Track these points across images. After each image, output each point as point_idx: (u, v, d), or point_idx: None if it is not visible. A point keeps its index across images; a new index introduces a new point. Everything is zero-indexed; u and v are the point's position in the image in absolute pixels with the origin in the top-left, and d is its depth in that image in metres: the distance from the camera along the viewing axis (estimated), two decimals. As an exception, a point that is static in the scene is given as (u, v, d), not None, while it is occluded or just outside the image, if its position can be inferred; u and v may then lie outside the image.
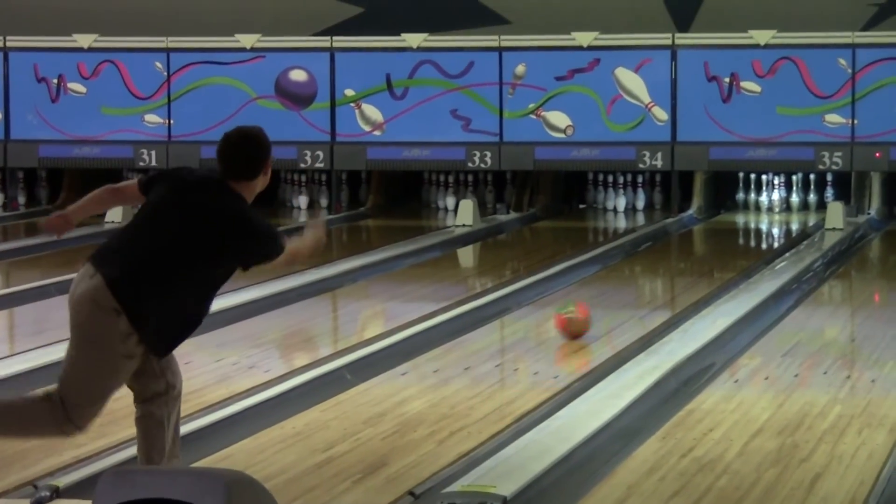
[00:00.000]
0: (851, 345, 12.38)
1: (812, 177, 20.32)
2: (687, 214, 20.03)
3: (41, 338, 11.77)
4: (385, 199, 20.97)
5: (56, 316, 13.09)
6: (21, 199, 21.32)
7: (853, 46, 19.35)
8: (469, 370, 10.77)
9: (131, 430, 8.73)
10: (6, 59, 20.54)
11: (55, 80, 20.49)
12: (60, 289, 14.35)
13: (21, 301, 13.93)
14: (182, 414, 9.12)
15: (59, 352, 10.90)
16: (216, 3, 20.94)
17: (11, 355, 11.35)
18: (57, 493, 7.36)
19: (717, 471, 7.96)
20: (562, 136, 19.78)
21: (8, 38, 20.52)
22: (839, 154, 19.31)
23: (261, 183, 7.40)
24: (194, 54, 20.33)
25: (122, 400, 9.67)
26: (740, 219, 20.37)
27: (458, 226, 19.35)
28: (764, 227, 20.07)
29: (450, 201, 20.63)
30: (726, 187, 20.64)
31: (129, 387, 7.35)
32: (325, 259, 16.47)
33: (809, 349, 11.79)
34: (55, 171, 21.23)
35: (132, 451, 8.20)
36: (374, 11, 20.87)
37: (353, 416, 9.27)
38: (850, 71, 19.31)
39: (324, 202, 20.93)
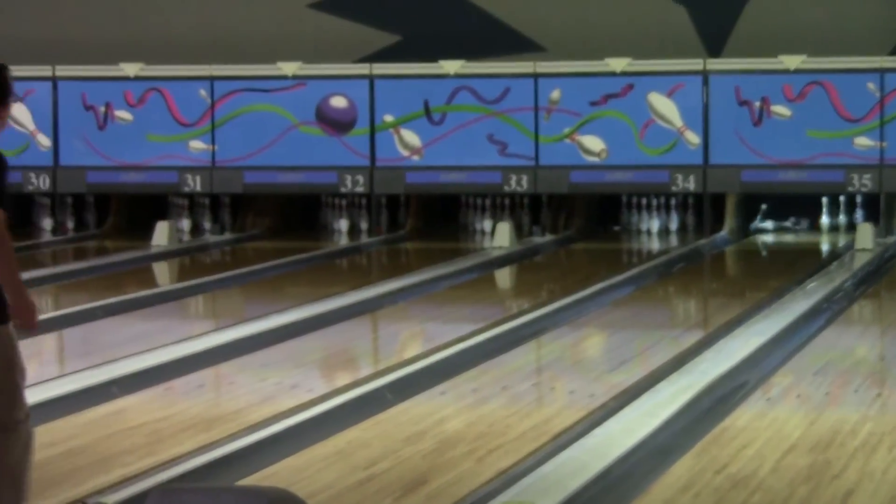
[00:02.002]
0: (881, 363, 12.34)
1: (842, 199, 20.29)
2: (719, 236, 20.01)
3: (88, 359, 11.79)
4: (423, 223, 20.98)
5: (103, 338, 13.16)
6: (70, 224, 21.39)
7: (881, 71, 19.31)
8: (506, 389, 10.76)
9: (178, 449, 8.78)
10: (55, 88, 20.60)
11: (102, 108, 20.56)
12: (107, 311, 14.44)
13: (69, 323, 13.95)
14: (227, 434, 9.19)
15: (105, 373, 10.97)
16: (258, 32, 21.00)
17: (61, 376, 11.36)
18: (106, 510, 7.39)
19: (751, 487, 7.94)
20: (596, 159, 19.78)
21: (57, 67, 20.61)
22: (868, 176, 19.27)
23: None
24: (237, 82, 20.38)
25: (169, 420, 9.71)
26: (771, 240, 20.35)
27: (494, 248, 19.37)
28: (795, 246, 20.03)
29: (487, 224, 20.63)
30: (757, 209, 20.62)
31: None
32: (365, 281, 16.51)
33: (840, 367, 11.75)
34: (103, 197, 21.28)
35: (179, 468, 8.24)
36: (411, 39, 20.92)
37: (394, 435, 9.25)
38: (878, 95, 19.26)
39: (364, 225, 20.95)
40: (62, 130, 20.64)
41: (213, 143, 20.38)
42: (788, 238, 20.39)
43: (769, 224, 20.54)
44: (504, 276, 17.89)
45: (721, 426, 9.38)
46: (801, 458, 8.55)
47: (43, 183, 20.70)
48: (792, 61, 19.43)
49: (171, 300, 15.87)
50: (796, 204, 20.31)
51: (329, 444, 9.01)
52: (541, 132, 19.86)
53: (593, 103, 19.78)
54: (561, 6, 20.73)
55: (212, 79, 20.43)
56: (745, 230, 20.46)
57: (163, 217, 20.53)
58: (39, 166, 20.61)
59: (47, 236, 21.13)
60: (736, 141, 19.50)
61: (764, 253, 19.72)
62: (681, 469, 8.35)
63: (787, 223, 20.50)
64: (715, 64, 19.77)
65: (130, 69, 20.58)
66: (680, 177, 19.65)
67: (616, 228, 20.78)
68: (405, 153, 20.16)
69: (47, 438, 9.17)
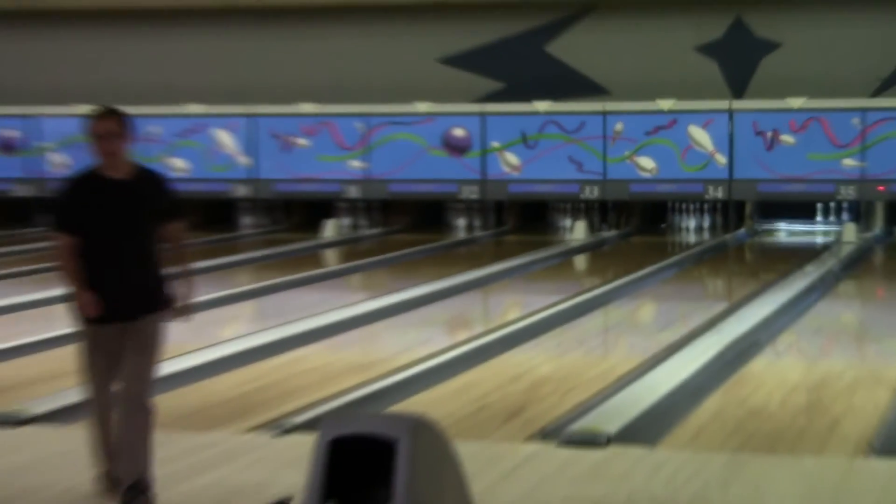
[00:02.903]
0: (861, 326, 12.26)
1: (832, 204, 20.16)
2: (740, 232, 19.90)
3: (277, 319, 11.82)
4: (521, 221, 20.96)
5: (287, 304, 13.23)
6: (265, 221, 21.53)
7: (863, 109, 19.13)
8: (582, 344, 10.78)
9: (342, 386, 8.83)
10: (253, 122, 20.73)
11: (286, 137, 20.65)
12: (290, 284, 14.51)
13: (263, 293, 13.99)
14: (378, 375, 9.26)
15: (289, 330, 11.03)
16: (401, 79, 21.00)
17: (257, 332, 11.41)
18: (291, 429, 7.44)
19: (763, 417, 7.92)
20: (649, 175, 19.71)
21: (253, 106, 20.73)
22: (852, 188, 19.11)
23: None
24: (384, 117, 20.43)
25: (335, 364, 9.78)
26: (782, 235, 20.20)
27: (573, 240, 19.36)
28: (797, 240, 19.89)
29: (567, 222, 20.60)
30: (771, 212, 20.51)
31: None
32: (478, 264, 16.54)
33: (830, 330, 11.69)
34: (287, 201, 21.36)
35: (343, 400, 8.31)
36: (512, 85, 20.92)
37: (499, 377, 9.27)
38: (860, 127, 19.09)
39: (476, 223, 20.97)
40: (259, 153, 20.72)
41: (367, 162, 20.47)
42: (792, 234, 20.25)
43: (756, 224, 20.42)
44: (580, 261, 17.88)
45: (740, 372, 9.37)
46: (801, 396, 8.53)
47: (242, 191, 20.88)
48: (796, 102, 19.29)
49: (336, 277, 16.00)
50: (797, 208, 20.19)
51: (452, 384, 9.05)
52: (608, 154, 19.82)
53: (647, 133, 19.71)
54: (622, 61, 20.65)
55: (367, 115, 20.53)
56: (758, 228, 20.36)
57: (330, 216, 20.65)
58: (240, 179, 20.78)
59: (246, 230, 21.28)
60: (753, 161, 19.39)
61: (773, 245, 19.57)
62: (711, 403, 8.34)
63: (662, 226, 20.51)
64: (738, 104, 19.65)
65: (307, 108, 20.70)
66: (711, 188, 19.56)
67: (663, 226, 20.69)
68: (507, 170, 20.18)
69: (248, 376, 9.30)
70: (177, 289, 6.17)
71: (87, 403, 6.08)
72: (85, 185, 5.99)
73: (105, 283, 5.93)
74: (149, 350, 6.01)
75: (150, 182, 6.06)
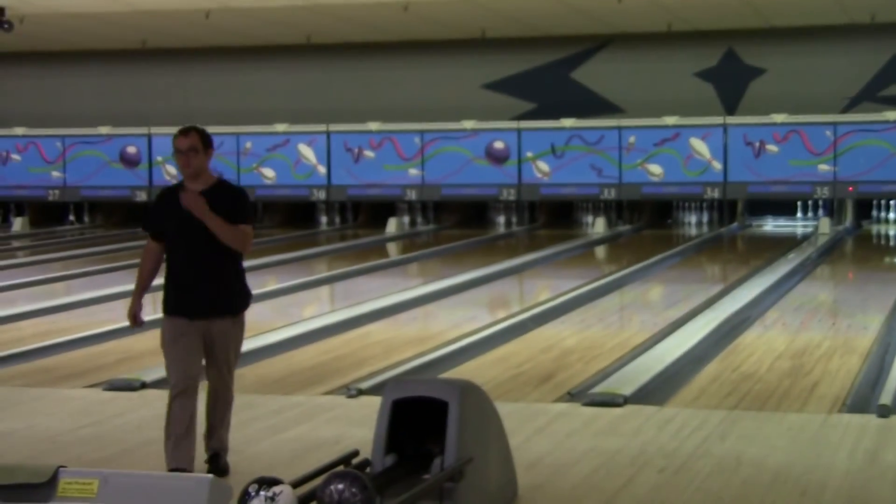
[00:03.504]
0: (835, 304, 12.15)
1: (810, 202, 20.03)
2: (733, 226, 19.80)
3: (348, 301, 11.88)
4: (551, 217, 20.93)
5: (357, 288, 13.27)
6: (337, 220, 21.58)
7: (835, 123, 18.99)
8: (602, 320, 10.73)
9: (402, 356, 8.81)
10: (329, 138, 20.78)
11: (356, 150, 20.67)
12: (360, 272, 14.51)
13: (337, 279, 14.04)
14: (432, 346, 9.22)
15: (358, 310, 11.03)
16: (451, 101, 21.01)
17: (333, 311, 11.48)
18: (360, 392, 7.44)
19: (754, 380, 7.87)
20: (657, 179, 19.60)
21: (329, 125, 20.75)
22: (826, 188, 18.95)
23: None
24: (437, 133, 20.40)
25: (397, 338, 9.77)
26: (768, 228, 20.09)
27: (594, 233, 19.29)
28: (781, 232, 19.75)
29: (589, 219, 20.53)
30: (759, 209, 20.43)
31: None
32: (514, 254, 16.52)
33: (810, 307, 11.59)
34: (356, 203, 21.39)
35: (403, 367, 8.30)
36: (543, 106, 20.86)
37: (533, 348, 9.25)
38: (833, 138, 18.93)
39: (514, 220, 20.94)
40: (334, 163, 20.81)
41: (422, 169, 20.42)
42: (776, 227, 20.13)
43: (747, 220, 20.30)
44: (600, 251, 17.81)
45: (735, 343, 9.31)
46: (786, 362, 8.47)
47: (320, 195, 20.91)
48: (779, 117, 19.14)
49: (397, 266, 16.01)
50: (781, 205, 20.10)
51: (493, 354, 9.03)
52: (623, 162, 19.72)
53: (655, 144, 19.60)
54: (634, 85, 20.58)
55: (422, 132, 20.52)
56: (748, 223, 20.27)
57: (392, 215, 20.68)
58: (318, 184, 20.80)
59: (323, 227, 21.35)
60: (744, 167, 19.24)
61: (760, 236, 19.44)
62: (710, 369, 8.30)
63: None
64: (731, 119, 19.52)
65: (373, 125, 20.73)
66: (709, 189, 19.42)
67: (669, 222, 20.60)
68: (539, 175, 20.11)
69: (324, 349, 9.30)
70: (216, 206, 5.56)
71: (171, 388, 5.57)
72: (169, 195, 5.71)
73: (183, 281, 5.61)
74: (230, 348, 5.64)
75: (225, 193, 5.69)
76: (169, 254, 5.70)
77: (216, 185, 5.72)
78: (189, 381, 5.51)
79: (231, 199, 5.68)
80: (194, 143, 5.63)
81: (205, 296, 5.58)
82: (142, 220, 5.95)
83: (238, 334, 5.71)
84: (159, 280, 5.78)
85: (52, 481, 3.53)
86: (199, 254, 5.60)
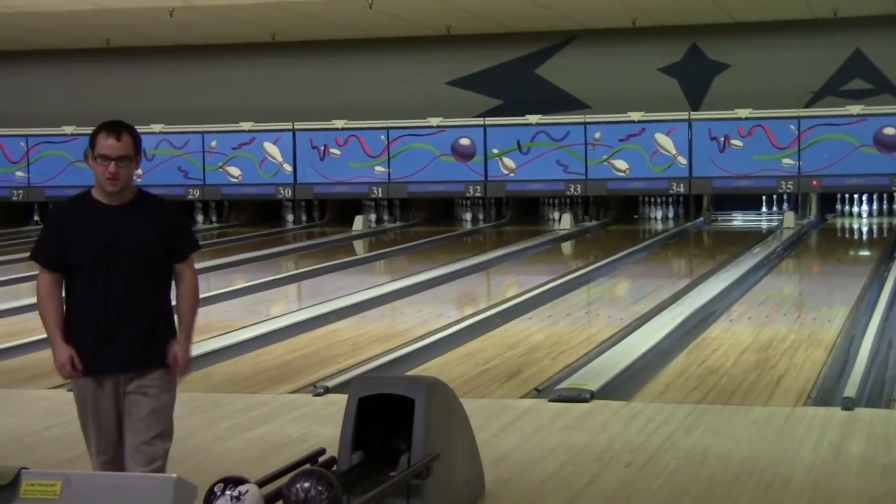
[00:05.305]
0: (800, 297, 12.20)
1: (774, 197, 20.12)
2: (699, 220, 19.87)
3: (315, 299, 11.85)
4: (517, 214, 20.93)
5: (323, 286, 13.22)
6: (303, 218, 21.50)
7: (798, 118, 19.07)
8: (569, 315, 10.74)
9: (369, 353, 8.79)
10: (294, 135, 20.71)
11: (322, 147, 20.63)
12: (326, 270, 14.50)
13: (303, 278, 13.99)
14: (399, 344, 9.20)
15: (325, 308, 10.98)
16: (416, 98, 20.99)
17: (299, 309, 11.44)
18: (327, 390, 7.43)
19: (720, 374, 7.90)
20: (623, 174, 19.64)
21: (295, 123, 20.69)
22: (791, 182, 19.04)
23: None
24: (402, 130, 20.36)
25: (364, 335, 9.74)
26: (734, 222, 20.17)
27: (560, 229, 19.29)
28: (746, 226, 19.83)
29: (556, 214, 20.55)
30: (724, 204, 20.51)
31: None
32: (481, 250, 16.51)
33: (775, 300, 11.64)
34: (322, 201, 21.36)
35: (370, 365, 8.27)
36: (509, 102, 20.86)
37: (500, 344, 9.26)
38: (796, 132, 19.01)
39: (480, 216, 20.93)
40: (300, 161, 20.77)
41: (388, 167, 20.39)
42: (742, 222, 20.21)
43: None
44: (567, 247, 17.84)
45: (701, 337, 9.35)
46: (751, 355, 8.50)
47: (286, 193, 20.86)
48: (743, 112, 19.21)
49: (364, 263, 15.98)
50: (746, 200, 20.19)
51: (460, 350, 9.03)
52: (588, 158, 19.75)
53: (621, 140, 19.64)
54: (599, 80, 20.60)
55: (388, 128, 20.49)
56: (717, 217, 20.35)
57: (358, 213, 20.63)
58: (285, 182, 20.76)
59: (289, 225, 21.30)
60: (709, 162, 19.30)
61: (726, 230, 19.51)
62: (676, 363, 8.33)
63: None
64: (696, 115, 19.57)
65: (339, 123, 20.68)
66: (674, 184, 19.47)
67: (635, 216, 20.64)
68: (505, 172, 20.11)
69: (291, 347, 9.28)
70: (174, 344, 4.46)
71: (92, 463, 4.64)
72: (73, 211, 4.46)
73: (88, 328, 4.36)
74: (154, 411, 4.39)
75: (153, 210, 4.46)
76: (74, 291, 4.41)
77: (138, 198, 4.48)
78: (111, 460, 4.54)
79: (162, 221, 4.46)
80: (127, 151, 4.37)
81: (125, 346, 4.40)
82: (34, 247, 4.52)
83: (168, 396, 4.50)
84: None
85: (15, 483, 3.50)
86: (125, 290, 4.37)
